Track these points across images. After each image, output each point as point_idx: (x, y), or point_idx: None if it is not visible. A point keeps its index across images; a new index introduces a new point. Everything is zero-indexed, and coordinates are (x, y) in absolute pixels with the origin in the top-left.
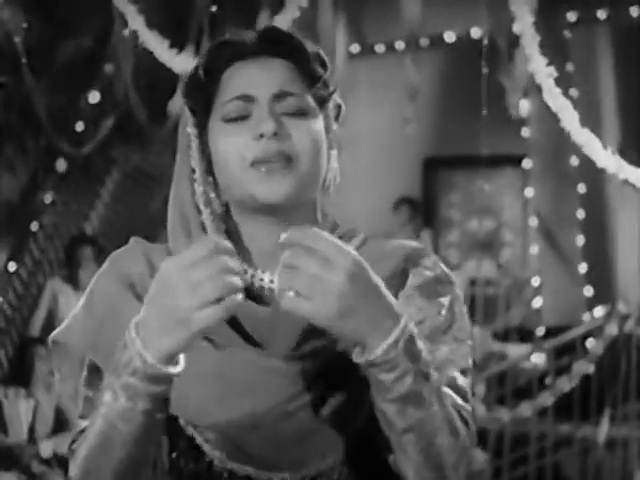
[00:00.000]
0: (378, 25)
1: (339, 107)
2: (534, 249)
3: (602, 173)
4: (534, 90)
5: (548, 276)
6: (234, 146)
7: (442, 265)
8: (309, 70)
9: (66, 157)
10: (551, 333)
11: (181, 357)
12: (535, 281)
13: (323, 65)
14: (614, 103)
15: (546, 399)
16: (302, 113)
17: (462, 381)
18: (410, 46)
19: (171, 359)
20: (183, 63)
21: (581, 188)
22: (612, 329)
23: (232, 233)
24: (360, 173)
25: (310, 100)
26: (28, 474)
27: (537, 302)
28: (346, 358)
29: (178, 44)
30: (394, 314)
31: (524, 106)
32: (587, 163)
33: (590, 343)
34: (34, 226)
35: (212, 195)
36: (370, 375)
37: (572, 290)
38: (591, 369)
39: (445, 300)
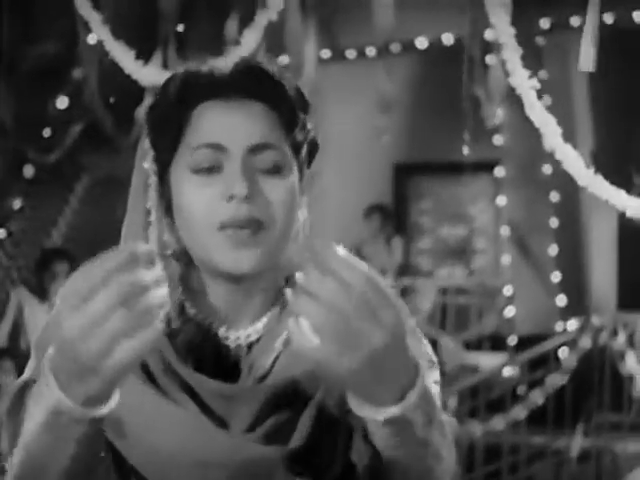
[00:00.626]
0: (349, 30)
1: (315, 146)
2: (506, 258)
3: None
4: (507, 98)
5: (521, 285)
6: (201, 203)
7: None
8: (290, 117)
9: (34, 163)
10: (523, 342)
11: (114, 393)
12: (507, 290)
13: (304, 107)
14: (588, 110)
15: (519, 412)
16: (278, 169)
17: (434, 391)
18: (381, 52)
19: (95, 401)
20: (149, 75)
21: (554, 196)
22: (586, 342)
23: (191, 282)
24: (330, 180)
25: (287, 150)
26: None
27: (509, 311)
28: (312, 439)
29: (145, 54)
30: (413, 368)
31: (497, 114)
32: (560, 171)
33: (563, 354)
34: (2, 233)
35: (166, 238)
36: (368, 421)
37: (545, 299)
38: (564, 382)
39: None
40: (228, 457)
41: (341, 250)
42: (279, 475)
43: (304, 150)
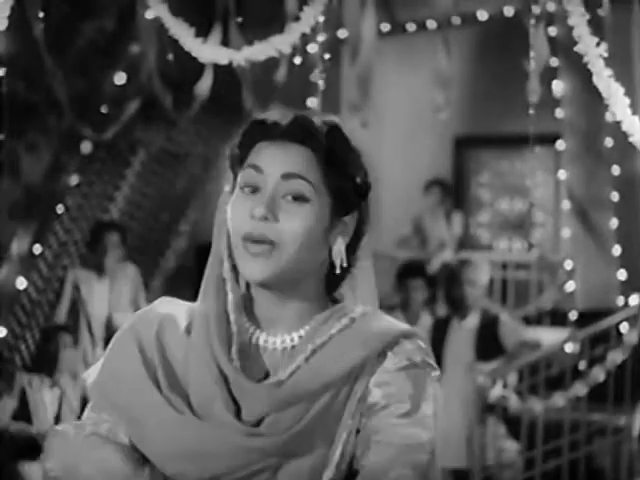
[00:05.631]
0: (409, 3)
1: (364, 189)
2: (566, 232)
3: (637, 155)
4: (570, 69)
5: (581, 259)
6: (237, 215)
7: (423, 350)
8: (327, 159)
9: (90, 139)
10: (584, 317)
11: None
12: (568, 264)
13: (347, 155)
14: None
15: (580, 389)
16: (304, 199)
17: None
18: (442, 25)
19: None
20: (208, 51)
21: (615, 170)
22: None
23: (246, 299)
24: (391, 154)
25: (320, 185)
26: None
27: (570, 286)
28: (305, 435)
29: (202, 30)
30: None
31: (558, 86)
32: (622, 145)
33: (624, 330)
34: (59, 208)
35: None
36: None
37: (605, 274)
38: (625, 358)
39: (414, 385)
40: (227, 447)
41: None
42: (266, 463)
43: (347, 192)
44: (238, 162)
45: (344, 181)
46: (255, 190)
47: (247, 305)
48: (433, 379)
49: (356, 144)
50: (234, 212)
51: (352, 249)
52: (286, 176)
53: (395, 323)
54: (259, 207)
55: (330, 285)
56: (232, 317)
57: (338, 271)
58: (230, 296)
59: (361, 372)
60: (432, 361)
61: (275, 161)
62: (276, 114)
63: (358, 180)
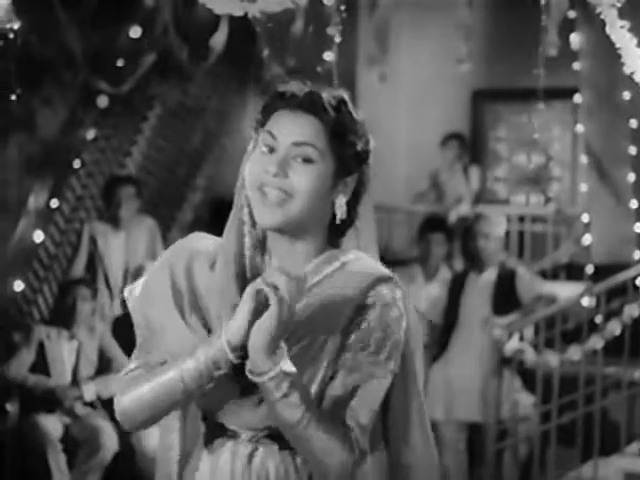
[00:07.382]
0: None
1: (366, 154)
2: (584, 185)
3: None
4: (587, 22)
5: (598, 213)
6: (254, 168)
7: (399, 298)
8: (334, 131)
9: (107, 93)
10: (600, 271)
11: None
12: (584, 218)
13: (353, 127)
14: None
15: (596, 342)
16: (310, 160)
17: (363, 419)
18: None
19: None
20: (223, 3)
21: (633, 123)
22: None
23: (262, 242)
24: (408, 108)
25: (324, 151)
26: (71, 416)
27: (586, 239)
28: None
29: None
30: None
31: (576, 39)
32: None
33: None
34: (76, 163)
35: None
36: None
37: (622, 227)
38: None
39: (383, 329)
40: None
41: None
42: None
43: (349, 157)
44: (260, 125)
45: (346, 148)
46: (272, 150)
47: (262, 247)
48: (402, 321)
49: (359, 116)
50: (251, 167)
51: (354, 205)
52: (296, 144)
53: (377, 268)
54: (272, 165)
55: (335, 235)
56: (247, 255)
57: (338, 222)
58: (247, 237)
59: (344, 309)
60: (403, 306)
61: (288, 129)
62: (294, 86)
63: (359, 148)
